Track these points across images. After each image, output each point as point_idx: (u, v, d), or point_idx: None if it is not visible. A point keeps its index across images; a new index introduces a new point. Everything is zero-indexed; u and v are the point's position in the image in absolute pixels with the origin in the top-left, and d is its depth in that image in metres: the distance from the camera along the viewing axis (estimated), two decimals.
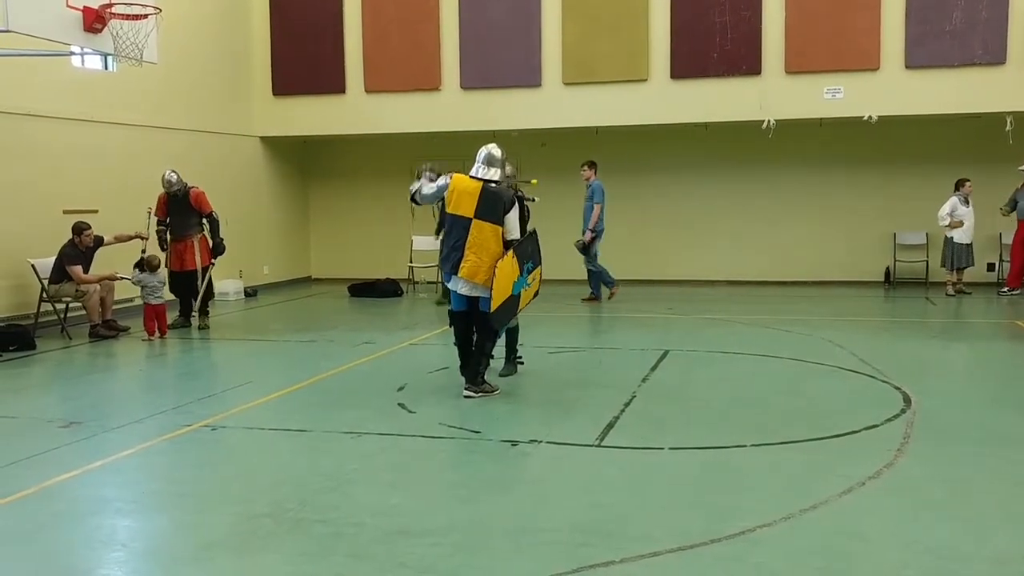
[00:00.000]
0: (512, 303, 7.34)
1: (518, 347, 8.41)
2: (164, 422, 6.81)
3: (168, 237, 11.52)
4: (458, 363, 7.61)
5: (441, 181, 7.53)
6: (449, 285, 7.45)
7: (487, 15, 14.68)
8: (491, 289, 7.09)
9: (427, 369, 8.58)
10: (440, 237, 8.05)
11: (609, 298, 13.43)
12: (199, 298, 11.54)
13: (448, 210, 7.36)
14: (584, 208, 13.19)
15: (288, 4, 15.51)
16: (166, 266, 11.47)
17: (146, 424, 6.78)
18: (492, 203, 7.20)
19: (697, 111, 14.18)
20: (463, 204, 7.24)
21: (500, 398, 7.27)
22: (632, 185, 15.89)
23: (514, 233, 7.29)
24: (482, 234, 7.15)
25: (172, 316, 11.33)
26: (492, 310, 7.12)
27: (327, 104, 15.47)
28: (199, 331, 11.36)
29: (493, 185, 7.26)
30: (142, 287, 10.72)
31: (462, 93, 14.90)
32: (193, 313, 11.59)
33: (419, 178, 9.17)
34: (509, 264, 7.18)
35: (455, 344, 7.60)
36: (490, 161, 7.35)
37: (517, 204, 7.42)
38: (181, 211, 11.46)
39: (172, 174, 11.47)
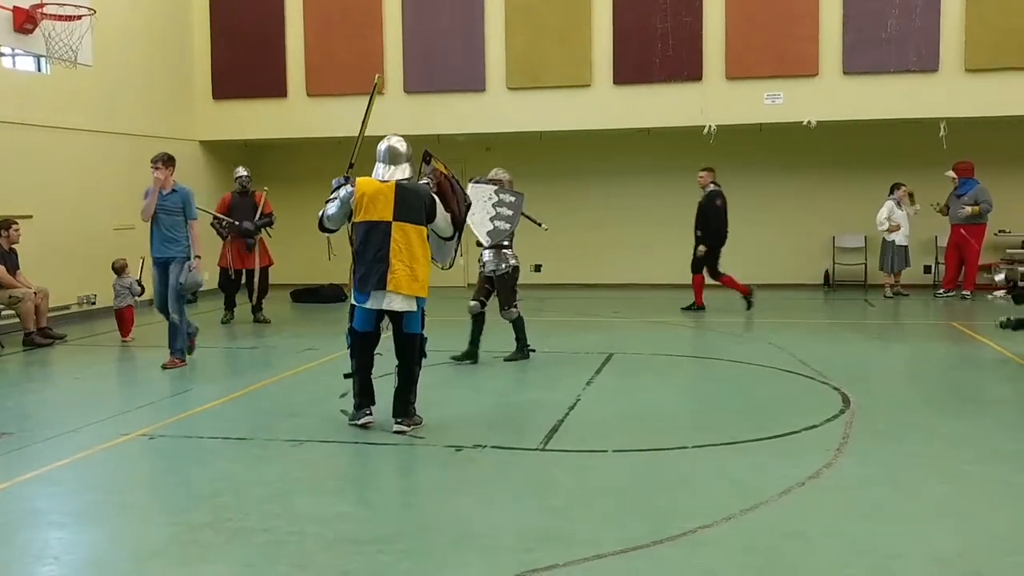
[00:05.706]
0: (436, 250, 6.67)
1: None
2: (100, 431, 6.66)
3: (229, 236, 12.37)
4: (357, 389, 6.65)
5: (343, 192, 6.58)
6: (368, 304, 6.39)
7: (431, 19, 14.62)
8: (418, 297, 6.41)
9: None
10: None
11: None
12: (257, 295, 12.50)
13: (358, 218, 6.42)
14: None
15: (228, 7, 15.28)
16: (219, 265, 12.39)
17: (81, 434, 6.62)
18: (413, 202, 6.37)
19: (639, 116, 14.28)
20: (377, 207, 6.34)
21: (444, 403, 7.21)
22: (576, 190, 15.95)
23: (447, 232, 6.61)
24: (407, 238, 6.31)
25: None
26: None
27: (268, 108, 15.28)
28: (258, 324, 12.30)
29: (407, 182, 6.43)
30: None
31: (405, 97, 14.80)
32: (259, 311, 12.51)
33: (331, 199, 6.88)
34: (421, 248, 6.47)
35: (355, 370, 6.67)
36: (393, 158, 6.49)
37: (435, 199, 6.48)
38: (247, 212, 12.34)
39: (245, 169, 12.49)
